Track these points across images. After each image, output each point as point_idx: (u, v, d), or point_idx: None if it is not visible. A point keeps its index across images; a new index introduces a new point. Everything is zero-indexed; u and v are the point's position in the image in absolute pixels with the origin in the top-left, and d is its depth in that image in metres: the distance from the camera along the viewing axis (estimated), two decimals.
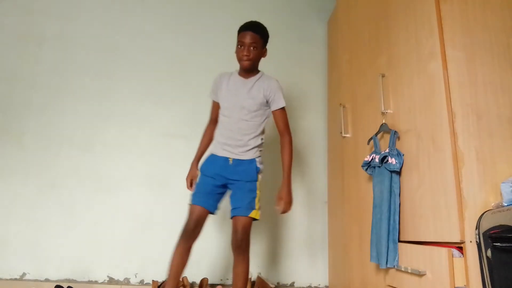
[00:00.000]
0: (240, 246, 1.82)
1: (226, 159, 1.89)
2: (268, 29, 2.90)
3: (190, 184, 2.00)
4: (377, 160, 1.62)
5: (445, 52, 1.34)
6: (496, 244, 1.07)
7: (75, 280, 2.40)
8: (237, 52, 1.92)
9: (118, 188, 2.55)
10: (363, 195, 1.87)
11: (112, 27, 2.78)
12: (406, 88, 1.55)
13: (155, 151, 2.60)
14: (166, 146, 2.62)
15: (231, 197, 1.91)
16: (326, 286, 2.56)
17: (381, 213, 1.54)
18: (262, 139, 1.98)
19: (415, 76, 1.49)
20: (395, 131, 1.59)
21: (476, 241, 1.16)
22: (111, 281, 2.43)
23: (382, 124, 1.69)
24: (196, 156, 2.06)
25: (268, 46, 2.85)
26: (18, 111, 2.61)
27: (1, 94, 2.62)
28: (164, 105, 2.69)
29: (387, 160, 1.55)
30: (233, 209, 1.87)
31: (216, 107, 2.04)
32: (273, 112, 1.97)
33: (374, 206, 1.60)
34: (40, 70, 2.67)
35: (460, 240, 1.20)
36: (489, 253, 1.10)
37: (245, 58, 1.89)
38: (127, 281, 2.45)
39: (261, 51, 1.97)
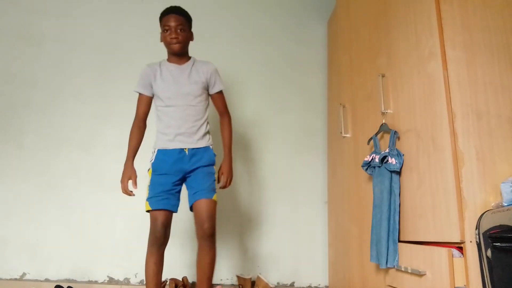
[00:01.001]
0: (210, 235, 1.73)
1: (181, 150, 1.81)
2: (268, 29, 2.93)
3: (130, 190, 1.84)
4: (377, 160, 1.62)
5: (445, 52, 1.34)
6: (496, 244, 1.07)
7: (75, 280, 2.40)
8: (164, 37, 1.87)
9: (118, 188, 2.54)
10: (363, 195, 1.87)
11: (112, 27, 2.78)
12: (406, 88, 1.55)
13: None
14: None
15: (189, 183, 1.82)
16: (326, 286, 2.56)
17: (381, 213, 1.54)
18: (208, 125, 1.92)
19: (415, 76, 1.49)
20: (395, 131, 1.59)
21: (476, 241, 1.16)
22: (111, 281, 2.44)
23: (382, 124, 1.69)
24: (129, 155, 1.89)
25: (268, 46, 2.88)
26: (18, 111, 2.61)
27: (1, 94, 2.62)
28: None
29: (387, 160, 1.55)
30: (194, 193, 1.77)
31: (145, 102, 1.91)
32: (212, 95, 1.94)
33: (374, 206, 1.60)
34: (40, 70, 2.67)
35: (460, 240, 1.20)
36: (489, 253, 1.10)
37: (174, 41, 1.84)
38: (127, 281, 2.45)
39: (189, 34, 1.93)
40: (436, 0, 1.38)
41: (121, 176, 1.86)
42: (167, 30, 1.85)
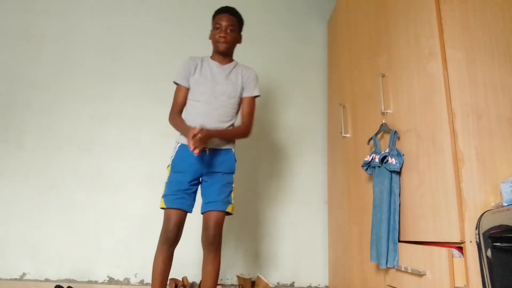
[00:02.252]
0: (213, 243, 1.72)
1: (203, 149, 1.75)
2: (269, 29, 2.93)
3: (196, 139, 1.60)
4: (377, 160, 1.62)
5: (445, 52, 1.34)
6: (496, 244, 1.07)
7: (75, 280, 2.40)
8: (213, 35, 1.87)
9: (118, 188, 2.55)
10: (363, 195, 1.87)
11: (112, 27, 2.78)
12: (406, 88, 1.55)
13: (155, 151, 2.59)
14: (166, 146, 2.61)
15: (205, 189, 1.79)
16: (326, 286, 2.56)
17: (381, 213, 1.54)
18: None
19: (415, 76, 1.49)
20: (395, 131, 1.59)
21: (476, 241, 1.16)
22: (111, 281, 2.43)
23: (382, 124, 1.69)
24: (184, 126, 1.76)
25: (268, 46, 2.88)
26: (18, 111, 2.61)
27: (1, 94, 2.62)
28: (164, 105, 2.68)
29: (387, 160, 1.55)
30: (208, 203, 1.76)
31: (184, 93, 1.87)
32: (244, 98, 1.90)
33: (374, 206, 1.60)
34: (40, 70, 2.67)
35: (460, 240, 1.20)
36: (489, 253, 1.10)
37: (222, 40, 1.84)
38: (127, 281, 2.45)
39: (238, 36, 1.93)
40: (436, 0, 1.38)
41: (187, 135, 1.65)
42: (217, 28, 1.86)
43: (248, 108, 1.90)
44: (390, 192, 1.54)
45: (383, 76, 1.71)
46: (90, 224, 2.48)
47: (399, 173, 1.54)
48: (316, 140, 2.78)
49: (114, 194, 2.54)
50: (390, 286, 1.55)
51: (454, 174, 1.24)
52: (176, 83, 1.90)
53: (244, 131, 1.88)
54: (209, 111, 1.81)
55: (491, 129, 1.28)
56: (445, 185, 1.27)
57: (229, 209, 1.77)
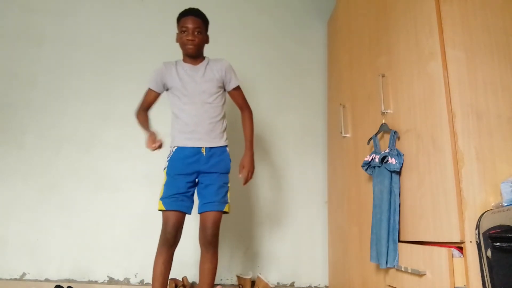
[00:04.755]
0: (211, 241, 1.76)
1: (198, 150, 1.82)
2: (268, 29, 2.94)
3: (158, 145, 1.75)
4: (377, 160, 1.62)
5: (445, 52, 1.34)
6: (496, 244, 1.07)
7: (75, 280, 2.40)
8: (181, 38, 1.88)
9: (118, 188, 2.55)
10: (363, 195, 1.87)
11: (112, 27, 2.78)
12: (406, 88, 1.55)
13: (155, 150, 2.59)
14: (166, 146, 2.61)
15: (202, 189, 1.82)
16: (326, 286, 2.56)
17: (381, 213, 1.54)
18: (225, 122, 1.93)
19: (415, 76, 1.49)
20: (395, 131, 1.59)
21: (476, 241, 1.17)
22: (111, 281, 2.44)
23: (382, 124, 1.69)
24: (146, 127, 1.88)
25: (268, 46, 2.88)
26: (18, 111, 2.61)
27: (1, 94, 2.62)
28: (164, 105, 2.68)
29: (387, 160, 1.55)
30: (206, 203, 1.79)
31: (153, 97, 1.94)
32: (230, 92, 1.96)
33: (374, 206, 1.60)
34: (40, 70, 2.67)
35: (460, 240, 1.20)
36: (489, 253, 1.10)
37: (190, 43, 1.85)
38: (127, 281, 2.45)
39: (205, 37, 1.94)
40: (436, 0, 1.38)
41: (147, 139, 1.79)
42: (184, 32, 1.86)
43: (239, 97, 1.99)
44: (390, 192, 1.54)
45: (383, 76, 1.71)
46: (90, 224, 2.48)
47: (399, 173, 1.54)
48: (316, 140, 2.78)
49: (114, 193, 2.54)
50: (390, 286, 1.55)
51: (454, 174, 1.24)
52: (149, 88, 1.94)
53: (249, 118, 1.98)
54: (196, 110, 1.84)
55: (491, 129, 1.28)
56: (445, 185, 1.27)
57: (226, 209, 1.81)
